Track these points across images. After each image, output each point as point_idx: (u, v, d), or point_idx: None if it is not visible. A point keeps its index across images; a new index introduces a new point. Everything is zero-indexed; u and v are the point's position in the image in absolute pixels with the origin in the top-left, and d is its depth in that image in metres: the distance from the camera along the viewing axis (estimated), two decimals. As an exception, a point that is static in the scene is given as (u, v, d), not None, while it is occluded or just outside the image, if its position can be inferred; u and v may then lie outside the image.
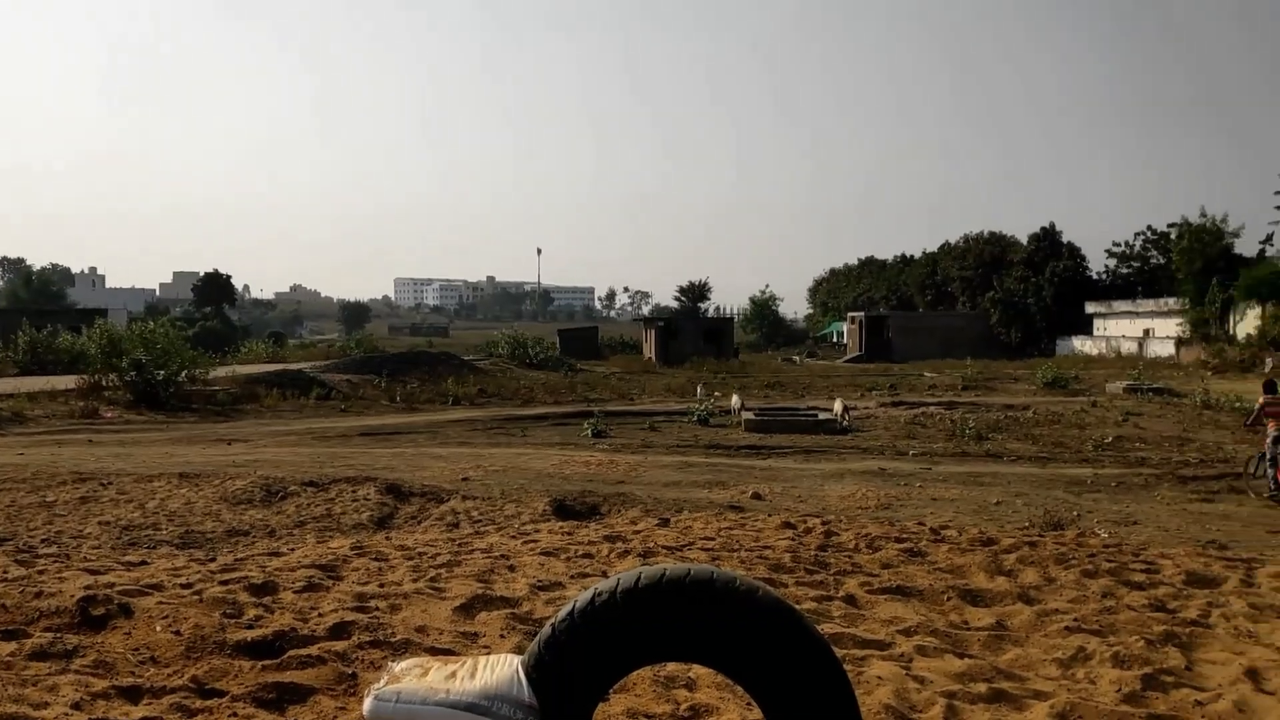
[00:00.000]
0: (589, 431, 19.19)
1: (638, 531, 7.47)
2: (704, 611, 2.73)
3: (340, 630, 4.38)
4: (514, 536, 7.26)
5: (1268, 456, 13.02)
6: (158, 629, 4.24)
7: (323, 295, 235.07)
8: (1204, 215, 51.59)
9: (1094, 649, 4.63)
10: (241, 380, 27.56)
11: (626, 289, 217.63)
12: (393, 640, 4.26)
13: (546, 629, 2.92)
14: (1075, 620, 5.13)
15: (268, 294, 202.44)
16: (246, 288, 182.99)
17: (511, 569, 5.87)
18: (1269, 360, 39.13)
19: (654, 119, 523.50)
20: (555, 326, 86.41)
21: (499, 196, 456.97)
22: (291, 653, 3.98)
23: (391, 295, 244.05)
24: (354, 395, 27.43)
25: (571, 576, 5.71)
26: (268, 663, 3.89)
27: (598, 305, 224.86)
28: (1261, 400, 13.60)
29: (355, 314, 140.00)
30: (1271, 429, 13.06)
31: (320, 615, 4.66)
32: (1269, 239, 53.13)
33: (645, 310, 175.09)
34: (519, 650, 3.72)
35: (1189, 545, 8.74)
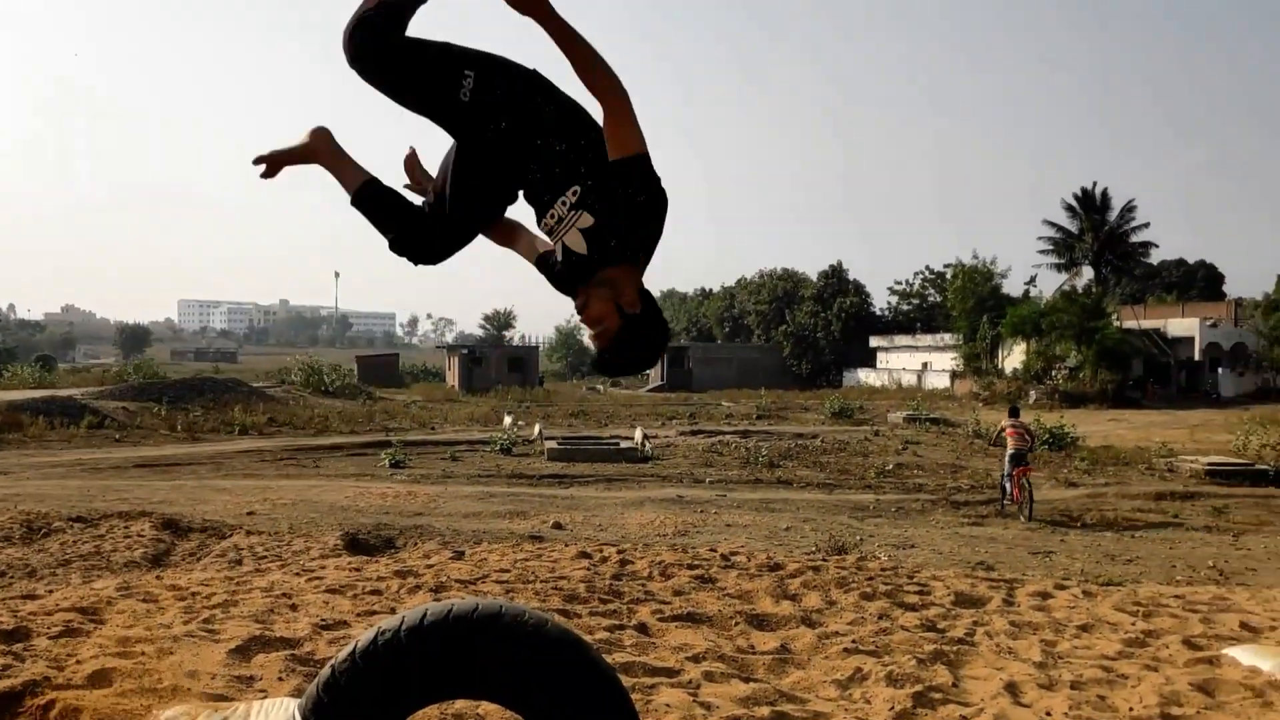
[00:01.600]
0: (387, 462, 18.69)
1: (431, 565, 7.31)
2: (492, 647, 2.70)
3: (100, 678, 4.07)
4: (298, 574, 6.96)
5: (1005, 472, 14.58)
6: (-116, 685, 3.82)
7: (98, 317, 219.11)
8: (976, 257, 55.69)
9: (870, 669, 4.85)
10: (3, 407, 25.34)
11: (430, 315, 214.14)
12: (159, 687, 3.99)
13: (326, 670, 2.80)
14: (853, 642, 5.37)
15: (36, 314, 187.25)
16: (12, 307, 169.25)
17: (294, 608, 5.62)
18: (1033, 392, 42.44)
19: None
20: (354, 353, 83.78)
21: (294, 215, 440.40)
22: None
23: (175, 318, 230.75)
24: (131, 424, 25.71)
25: (358, 614, 5.52)
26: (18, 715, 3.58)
27: (399, 331, 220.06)
28: (1004, 423, 15.33)
29: (134, 337, 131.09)
30: (1010, 446, 14.68)
31: (79, 662, 4.32)
32: (1033, 280, 58.26)
33: (449, 338, 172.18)
34: (298, 693, 3.57)
35: (959, 567, 9.34)
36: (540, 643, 2.73)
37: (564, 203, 2.43)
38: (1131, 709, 4.45)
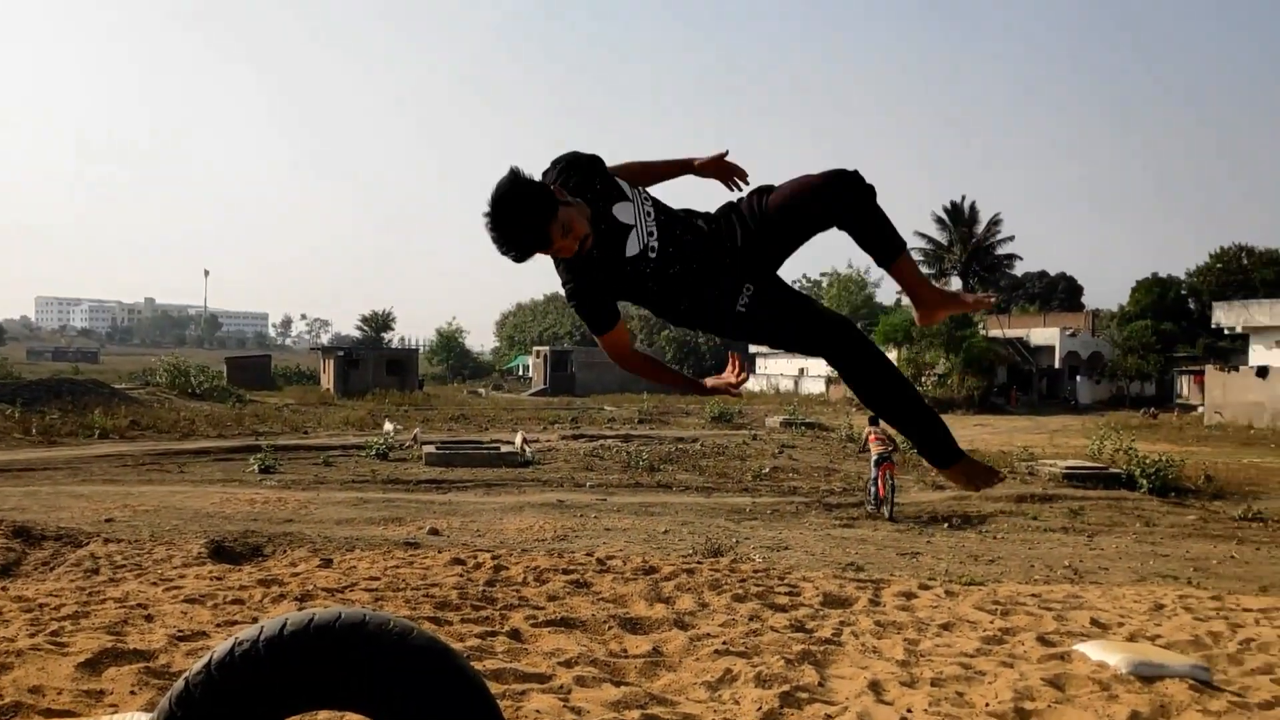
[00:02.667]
0: (256, 467, 18.10)
1: (297, 574, 7.11)
2: (355, 657, 2.64)
3: (-66, 698, 3.83)
4: (154, 583, 6.68)
5: (871, 476, 15.19)
6: None
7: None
8: (850, 266, 57.31)
9: (739, 670, 4.92)
10: None
11: (304, 316, 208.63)
12: (0, 704, 3.78)
13: (180, 683, 2.70)
14: (724, 643, 5.44)
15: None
16: None
17: (149, 619, 5.39)
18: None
19: (332, 141, 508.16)
20: (223, 354, 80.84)
21: (159, 209, 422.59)
22: None
23: (32, 316, 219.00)
24: (-21, 427, 24.32)
25: (217, 625, 5.33)
26: None
27: (272, 332, 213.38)
28: (866, 430, 16.05)
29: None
30: (873, 451, 15.26)
31: (-90, 682, 4.06)
32: (904, 290, 60.35)
33: (324, 339, 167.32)
34: (150, 707, 3.43)
35: (830, 568, 9.56)
36: (405, 651, 2.68)
37: (654, 245, 2.94)
38: (988, 704, 4.63)
